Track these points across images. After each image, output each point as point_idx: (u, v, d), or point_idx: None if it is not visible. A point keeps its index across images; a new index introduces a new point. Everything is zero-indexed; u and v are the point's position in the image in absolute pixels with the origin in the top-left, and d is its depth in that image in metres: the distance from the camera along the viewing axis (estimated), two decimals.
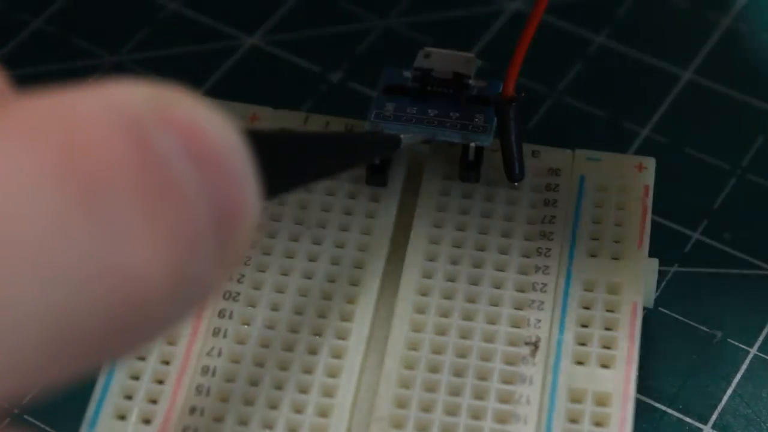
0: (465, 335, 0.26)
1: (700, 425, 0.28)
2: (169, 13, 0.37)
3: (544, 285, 0.27)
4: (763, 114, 0.34)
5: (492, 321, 0.26)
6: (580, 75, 0.35)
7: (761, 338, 0.30)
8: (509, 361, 0.26)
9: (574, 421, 0.25)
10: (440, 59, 0.30)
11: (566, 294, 0.27)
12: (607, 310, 0.27)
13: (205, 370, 0.25)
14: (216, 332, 0.26)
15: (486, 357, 0.26)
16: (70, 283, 0.15)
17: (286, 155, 0.21)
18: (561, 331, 0.26)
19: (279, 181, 0.20)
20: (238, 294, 0.27)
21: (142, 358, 0.26)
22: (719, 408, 0.29)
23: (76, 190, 0.15)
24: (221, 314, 0.26)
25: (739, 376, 0.29)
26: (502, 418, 0.25)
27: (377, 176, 0.28)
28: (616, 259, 0.28)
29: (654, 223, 0.32)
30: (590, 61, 0.36)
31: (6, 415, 0.26)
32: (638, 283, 0.27)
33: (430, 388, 0.25)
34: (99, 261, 0.15)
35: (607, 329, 0.26)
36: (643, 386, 0.29)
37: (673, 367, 0.29)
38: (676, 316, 0.30)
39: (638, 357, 0.26)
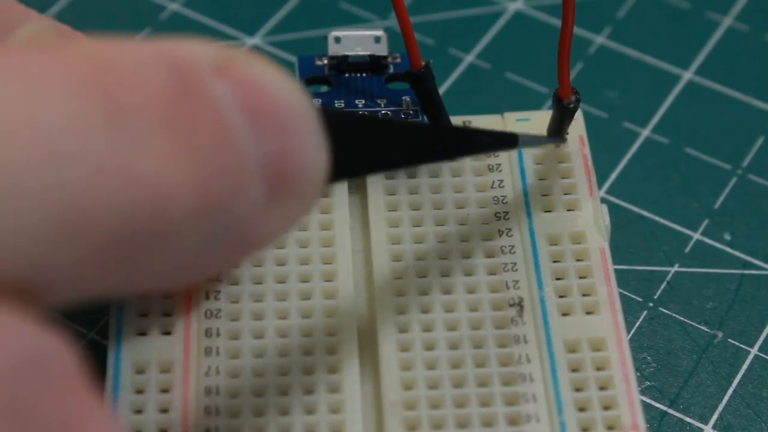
0: (450, 308, 0.27)
1: (701, 425, 0.28)
2: (170, 14, 0.37)
3: (512, 247, 0.28)
4: (763, 114, 0.34)
5: (471, 290, 0.27)
6: (581, 75, 0.35)
7: (761, 338, 0.30)
8: (499, 325, 0.26)
9: (576, 370, 0.26)
10: (352, 41, 0.30)
11: (535, 251, 0.27)
12: (577, 260, 0.27)
13: (208, 391, 0.25)
14: (208, 351, 0.26)
15: (476, 325, 0.26)
16: (81, 173, 0.16)
17: (366, 139, 0.22)
18: (540, 287, 0.27)
19: (355, 162, 0.21)
20: (220, 310, 0.26)
21: (141, 391, 0.25)
22: (720, 408, 0.29)
23: (97, 98, 0.17)
24: (208, 333, 0.26)
25: (739, 376, 0.29)
26: (508, 381, 0.25)
27: None
28: (571, 210, 0.28)
29: (654, 224, 0.32)
30: (590, 61, 0.36)
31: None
32: (599, 229, 0.28)
33: (432, 366, 0.26)
34: (112, 160, 0.17)
35: (582, 277, 0.27)
36: (643, 386, 0.29)
37: (674, 367, 0.29)
38: (676, 316, 0.30)
39: (619, 298, 0.27)
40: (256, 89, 0.18)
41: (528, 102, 0.35)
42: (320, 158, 0.19)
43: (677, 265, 0.31)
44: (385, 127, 0.23)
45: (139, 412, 0.25)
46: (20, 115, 0.16)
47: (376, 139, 0.22)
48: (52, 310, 0.17)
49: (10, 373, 0.16)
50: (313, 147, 0.19)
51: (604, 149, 0.33)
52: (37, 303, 0.17)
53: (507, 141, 0.27)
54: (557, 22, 0.29)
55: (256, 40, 0.36)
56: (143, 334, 0.26)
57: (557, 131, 0.29)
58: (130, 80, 0.17)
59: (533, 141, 0.28)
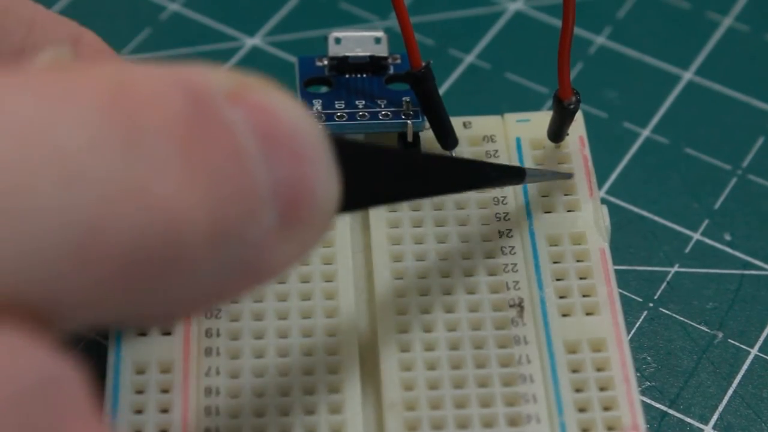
0: (450, 309, 0.27)
1: (701, 425, 0.28)
2: (170, 14, 0.37)
3: (512, 248, 0.28)
4: (763, 114, 0.34)
5: (472, 291, 0.27)
6: (581, 75, 0.35)
7: (762, 338, 0.30)
8: (500, 326, 0.26)
9: (576, 371, 0.26)
10: (352, 42, 0.30)
11: (535, 252, 0.28)
12: (577, 261, 0.27)
13: (208, 391, 0.25)
14: (208, 351, 0.26)
15: (476, 326, 0.26)
16: (98, 195, 0.16)
17: (376, 170, 0.22)
18: (540, 288, 0.27)
19: (365, 193, 0.21)
20: (220, 310, 0.26)
21: (141, 392, 0.25)
22: (720, 408, 0.29)
23: (118, 120, 0.17)
24: (208, 333, 0.26)
25: (739, 376, 0.29)
26: (508, 381, 0.26)
27: None
28: (571, 211, 0.28)
29: (654, 224, 0.32)
30: (590, 61, 0.36)
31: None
32: (599, 229, 0.28)
33: (432, 366, 0.26)
34: (129, 182, 0.17)
35: (582, 278, 0.27)
36: (643, 387, 0.29)
37: (674, 367, 0.29)
38: (676, 316, 0.30)
39: (619, 299, 0.27)
40: (270, 116, 0.18)
41: (528, 102, 0.35)
42: (332, 187, 0.19)
43: (677, 265, 0.31)
44: (394, 158, 0.23)
45: (139, 412, 0.25)
46: (41, 135, 0.16)
47: (385, 171, 0.22)
48: (64, 334, 0.17)
49: (22, 395, 0.16)
50: (324, 175, 0.19)
51: (604, 149, 0.33)
52: (50, 327, 0.17)
53: (514, 175, 0.27)
54: (557, 22, 0.29)
55: (256, 40, 0.36)
56: (143, 334, 0.26)
57: (557, 132, 0.29)
58: (148, 104, 0.17)
59: (540, 175, 0.28)
